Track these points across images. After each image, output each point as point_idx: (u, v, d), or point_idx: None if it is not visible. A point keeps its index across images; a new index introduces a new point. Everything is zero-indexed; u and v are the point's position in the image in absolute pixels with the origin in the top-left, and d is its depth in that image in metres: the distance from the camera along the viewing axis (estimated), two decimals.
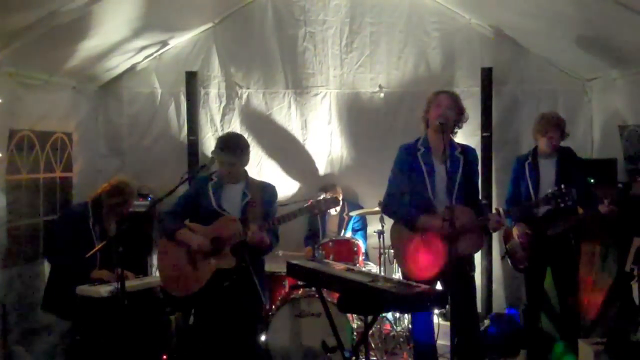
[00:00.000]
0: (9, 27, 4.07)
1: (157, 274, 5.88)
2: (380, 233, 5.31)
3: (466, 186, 3.90)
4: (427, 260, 3.85)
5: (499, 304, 5.93)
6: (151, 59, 6.14)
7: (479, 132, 5.85)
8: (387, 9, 6.08)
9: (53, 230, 4.91)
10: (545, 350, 4.92)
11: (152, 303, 4.68)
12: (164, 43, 6.02)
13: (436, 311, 4.69)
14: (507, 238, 4.95)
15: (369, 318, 3.56)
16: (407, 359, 5.05)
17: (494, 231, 3.93)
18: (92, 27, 4.69)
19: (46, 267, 4.90)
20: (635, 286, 4.42)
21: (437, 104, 3.90)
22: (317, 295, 4.34)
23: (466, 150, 4.01)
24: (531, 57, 5.99)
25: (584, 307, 5.09)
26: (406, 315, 5.23)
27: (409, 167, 3.94)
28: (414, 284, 3.30)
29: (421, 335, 4.09)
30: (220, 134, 6.18)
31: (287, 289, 5.20)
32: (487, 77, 5.82)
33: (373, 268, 5.56)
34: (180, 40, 6.13)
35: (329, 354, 4.55)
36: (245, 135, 5.16)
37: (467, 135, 5.92)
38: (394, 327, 5.33)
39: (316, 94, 6.20)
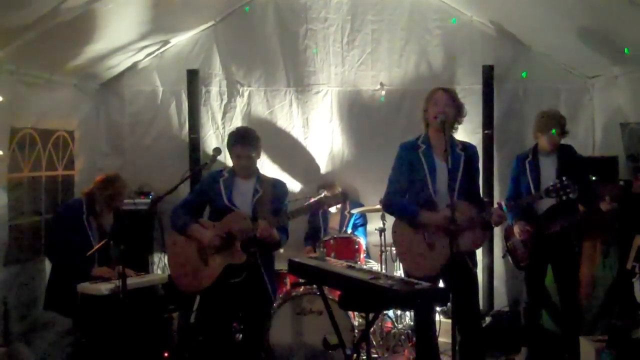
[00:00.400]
0: (11, 25, 4.07)
1: (159, 271, 5.96)
2: (382, 231, 5.31)
3: (467, 183, 3.90)
4: (429, 257, 3.85)
5: (501, 301, 5.93)
6: (152, 57, 6.14)
7: (480, 130, 5.85)
8: (389, 7, 6.07)
9: (50, 229, 4.92)
10: (546, 347, 4.93)
11: (154, 301, 4.68)
12: (165, 41, 6.02)
13: (437, 308, 4.68)
14: (508, 236, 4.96)
15: (371, 315, 3.57)
16: (409, 356, 5.05)
17: (496, 225, 3.94)
18: (94, 27, 4.70)
19: (47, 265, 4.91)
20: (636, 283, 4.43)
21: (435, 102, 3.90)
22: (318, 293, 4.35)
23: (467, 147, 4.01)
24: (533, 54, 5.98)
25: (585, 305, 5.09)
26: (408, 312, 5.24)
27: (410, 164, 3.94)
28: (415, 281, 3.30)
29: (422, 333, 4.10)
30: (221, 132, 6.20)
31: (288, 287, 5.21)
32: (488, 75, 5.81)
33: (374, 266, 5.56)
34: (181, 39, 6.13)
35: (330, 352, 4.58)
36: None
37: (468, 133, 5.93)
38: (396, 324, 5.33)
39: (317, 92, 6.20)
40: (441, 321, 4.92)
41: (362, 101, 6.19)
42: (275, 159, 6.09)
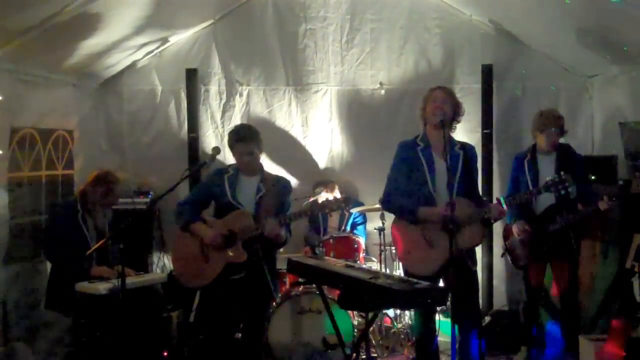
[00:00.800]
0: (10, 24, 4.07)
1: (158, 271, 5.96)
2: (381, 230, 5.31)
3: (466, 181, 3.91)
4: (429, 255, 3.86)
5: (500, 300, 5.93)
6: (151, 56, 6.14)
7: (479, 129, 5.85)
8: (388, 6, 6.07)
9: (46, 230, 4.92)
10: (545, 347, 4.93)
11: (153, 300, 4.69)
12: (164, 40, 6.01)
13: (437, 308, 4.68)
14: (506, 235, 4.96)
15: (370, 315, 3.58)
16: (408, 355, 5.05)
17: (496, 221, 3.94)
18: (93, 26, 4.70)
19: (48, 264, 4.91)
20: (636, 282, 4.43)
21: (433, 100, 3.93)
22: (317, 292, 4.35)
23: (465, 147, 4.03)
24: (532, 53, 5.98)
25: (584, 304, 5.10)
26: (407, 312, 5.24)
27: (409, 162, 3.97)
28: (415, 280, 3.30)
29: (422, 332, 4.11)
30: (220, 131, 6.20)
31: (287, 286, 5.21)
32: (487, 74, 5.81)
33: (374, 265, 5.56)
34: (180, 38, 6.13)
35: (329, 351, 4.58)
36: None
37: (467, 132, 5.94)
38: (395, 323, 5.33)
39: (317, 91, 6.20)
40: (441, 320, 4.92)
41: (362, 100, 6.19)
42: (275, 158, 6.09)
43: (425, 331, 4.07)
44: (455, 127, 4.05)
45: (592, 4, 4.43)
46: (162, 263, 6.10)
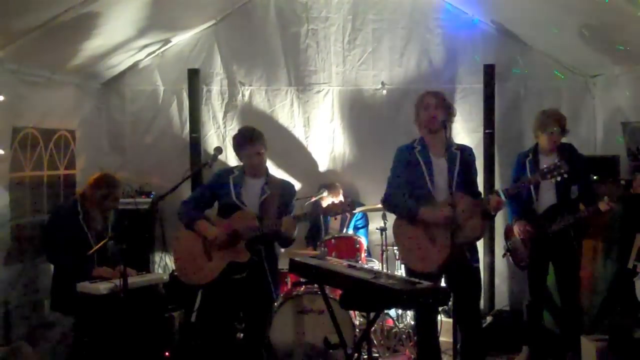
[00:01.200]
0: (12, 25, 4.07)
1: (160, 271, 5.96)
2: (383, 230, 5.31)
3: (465, 180, 3.94)
4: (431, 252, 3.88)
5: (502, 300, 5.93)
6: (153, 56, 6.15)
7: (481, 129, 5.85)
8: (390, 6, 6.07)
9: (47, 231, 4.92)
10: (547, 347, 4.93)
11: (155, 300, 4.69)
12: (166, 41, 6.02)
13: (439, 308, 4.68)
14: (508, 235, 4.96)
15: (372, 315, 3.57)
16: (410, 355, 5.05)
17: (495, 212, 3.93)
18: (95, 27, 4.70)
19: (50, 264, 4.91)
20: (637, 283, 4.42)
21: (425, 108, 3.99)
22: (319, 292, 4.35)
23: (463, 148, 4.08)
24: (534, 53, 5.98)
25: (585, 304, 5.09)
26: (409, 312, 5.24)
27: (407, 164, 4.02)
28: (417, 280, 3.30)
29: (424, 332, 4.11)
30: (222, 131, 6.21)
31: (289, 286, 5.21)
32: (489, 74, 5.81)
33: (375, 265, 5.56)
34: (182, 38, 6.13)
35: (331, 351, 4.58)
36: None
37: (469, 132, 5.95)
38: (397, 323, 5.33)
39: (319, 91, 6.20)
40: (442, 320, 4.92)
41: (364, 100, 6.19)
42: (276, 158, 6.08)
43: (427, 331, 4.08)
44: (451, 127, 4.08)
45: (594, 3, 4.42)
46: (164, 263, 6.11)
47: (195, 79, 6.05)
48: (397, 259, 5.39)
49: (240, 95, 6.22)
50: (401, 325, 5.31)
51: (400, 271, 5.31)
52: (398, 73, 6.13)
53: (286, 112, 6.22)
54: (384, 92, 6.15)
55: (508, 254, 5.00)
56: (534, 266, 4.82)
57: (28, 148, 4.85)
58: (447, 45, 6.06)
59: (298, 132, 6.23)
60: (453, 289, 3.58)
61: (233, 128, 6.11)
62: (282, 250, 5.22)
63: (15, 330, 4.65)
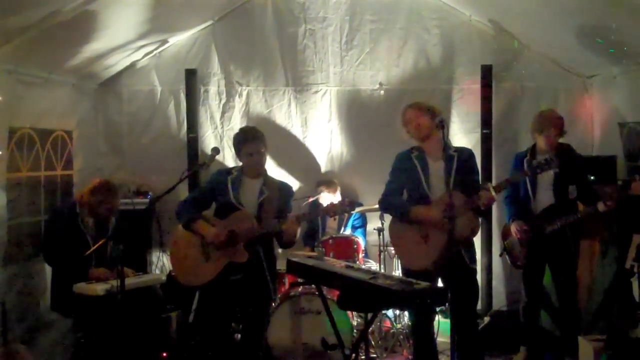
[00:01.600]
0: (9, 24, 4.06)
1: (157, 271, 5.95)
2: (380, 230, 5.31)
3: (463, 182, 3.95)
4: (424, 249, 3.92)
5: (499, 300, 5.93)
6: (151, 56, 6.14)
7: (478, 129, 5.86)
8: (387, 6, 6.07)
9: (46, 230, 4.91)
10: (544, 347, 4.93)
11: (152, 301, 4.68)
12: (164, 41, 6.01)
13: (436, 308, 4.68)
14: (505, 235, 4.96)
15: (369, 315, 3.57)
16: (407, 356, 5.05)
17: (485, 207, 3.93)
18: (93, 27, 4.69)
19: (47, 265, 4.90)
20: (635, 283, 4.43)
21: (408, 122, 4.14)
22: (317, 293, 4.35)
23: (461, 150, 4.13)
24: (531, 54, 5.98)
25: (583, 304, 5.09)
26: (406, 312, 5.24)
27: (405, 169, 4.13)
28: (414, 281, 3.30)
29: (421, 333, 4.11)
30: (220, 131, 6.20)
31: (287, 286, 5.21)
32: (487, 74, 5.81)
33: (373, 265, 5.56)
34: (179, 38, 6.13)
35: (329, 352, 4.57)
36: None
37: (466, 133, 5.95)
38: (394, 324, 5.33)
39: (316, 92, 6.20)
40: (439, 321, 4.92)
41: (361, 101, 6.18)
42: (274, 158, 6.09)
43: (424, 331, 4.08)
44: (448, 126, 4.12)
45: (591, 4, 4.43)
46: (162, 263, 6.10)
47: (192, 79, 6.04)
48: (392, 258, 5.40)
49: (238, 95, 6.21)
50: (399, 326, 5.31)
51: (398, 272, 5.32)
52: (395, 73, 6.13)
53: (284, 113, 6.21)
54: (382, 92, 6.15)
55: (505, 253, 5.00)
56: (529, 266, 4.81)
57: (25, 148, 4.83)
58: (444, 46, 6.06)
59: (296, 132, 6.23)
60: (450, 290, 3.58)
61: (230, 128, 6.10)
62: (280, 250, 5.24)
63: (12, 331, 4.63)
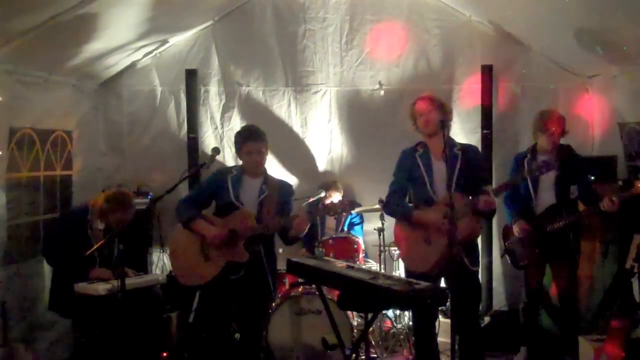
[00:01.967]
0: (9, 25, 4.06)
1: (158, 271, 5.95)
2: (380, 230, 5.31)
3: (467, 181, 3.93)
4: (427, 251, 3.91)
5: (499, 301, 5.93)
6: (151, 56, 6.13)
7: (479, 130, 5.86)
8: (387, 7, 6.07)
9: (52, 230, 4.91)
10: (545, 347, 4.93)
11: (152, 301, 4.68)
12: (164, 41, 6.01)
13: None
14: (506, 235, 4.96)
15: (369, 315, 3.57)
16: (408, 356, 5.05)
17: (484, 210, 3.87)
18: (93, 27, 4.69)
19: (47, 265, 4.90)
20: (635, 283, 4.43)
21: (419, 115, 4.03)
22: (317, 293, 4.35)
23: (466, 148, 4.09)
24: (532, 54, 5.98)
25: (583, 304, 5.09)
26: (407, 312, 5.24)
27: (409, 168, 4.09)
28: (415, 281, 3.30)
29: (421, 333, 4.11)
30: (220, 131, 6.20)
31: (287, 286, 5.20)
32: (487, 75, 5.81)
33: (373, 266, 5.55)
34: (180, 38, 6.12)
35: (329, 352, 4.57)
36: None
37: (467, 133, 5.94)
38: (395, 324, 5.33)
39: (316, 92, 6.20)
40: (440, 321, 4.91)
41: (361, 101, 6.18)
42: (274, 158, 6.09)
43: (424, 332, 4.08)
44: (450, 125, 4.09)
45: (591, 4, 4.43)
46: (162, 263, 6.10)
47: (192, 80, 6.04)
48: (393, 261, 5.40)
49: (238, 95, 6.21)
50: (399, 326, 5.31)
51: (398, 272, 5.32)
52: (395, 73, 6.13)
53: (284, 113, 6.21)
54: (382, 92, 6.15)
55: (506, 254, 5.00)
56: (531, 267, 4.81)
57: (25, 148, 4.84)
58: (444, 46, 6.06)
59: (296, 132, 6.22)
60: (451, 292, 3.57)
61: (231, 129, 6.10)
62: (280, 250, 5.24)
63: (12, 331, 4.63)
